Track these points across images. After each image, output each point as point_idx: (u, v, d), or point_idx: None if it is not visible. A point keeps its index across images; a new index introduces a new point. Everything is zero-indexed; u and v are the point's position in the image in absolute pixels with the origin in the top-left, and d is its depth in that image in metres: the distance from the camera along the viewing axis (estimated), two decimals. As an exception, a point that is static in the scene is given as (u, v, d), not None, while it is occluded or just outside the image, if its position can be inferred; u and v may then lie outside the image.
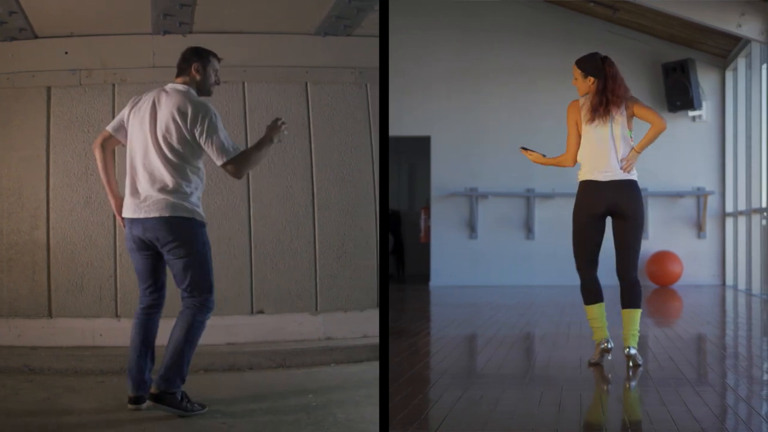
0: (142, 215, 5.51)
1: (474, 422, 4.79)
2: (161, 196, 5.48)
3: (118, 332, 7.53)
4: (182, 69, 5.79)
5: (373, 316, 8.00)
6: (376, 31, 7.93)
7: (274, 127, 5.86)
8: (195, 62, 5.76)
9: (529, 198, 14.75)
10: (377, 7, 7.47)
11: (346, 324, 7.97)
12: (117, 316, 7.61)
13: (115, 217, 7.58)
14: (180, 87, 5.66)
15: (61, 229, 7.61)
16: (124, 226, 5.66)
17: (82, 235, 7.63)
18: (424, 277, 15.40)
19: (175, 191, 5.48)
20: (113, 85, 7.70)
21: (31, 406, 5.82)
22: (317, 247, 7.99)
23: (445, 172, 15.01)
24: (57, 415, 5.59)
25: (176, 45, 7.19)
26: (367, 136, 8.16)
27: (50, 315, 7.57)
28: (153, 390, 5.47)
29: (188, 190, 5.53)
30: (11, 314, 7.55)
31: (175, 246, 5.50)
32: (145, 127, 5.56)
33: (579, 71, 6.41)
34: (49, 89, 7.66)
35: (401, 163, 18.32)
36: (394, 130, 14.39)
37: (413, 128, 15.03)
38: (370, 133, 8.16)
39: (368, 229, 8.11)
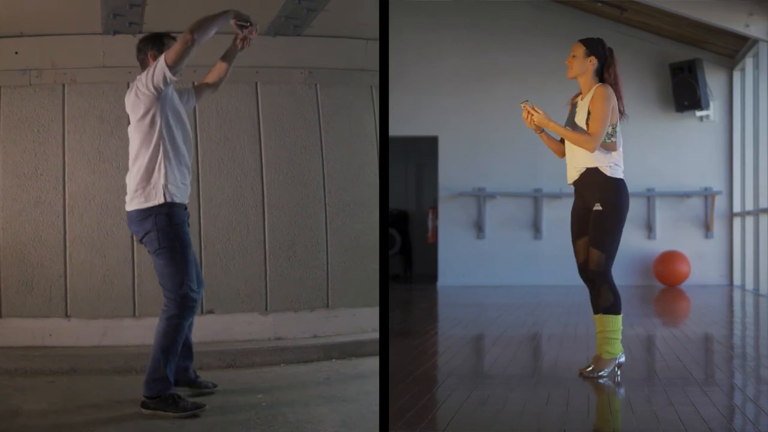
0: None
1: (481, 422, 4.78)
2: None
3: (68, 332, 7.53)
4: (142, 61, 5.79)
5: (323, 316, 8.06)
6: (326, 32, 8.04)
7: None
8: (150, 50, 5.74)
9: (536, 198, 14.65)
10: (328, 7, 7.50)
11: (296, 324, 7.97)
12: (67, 316, 7.58)
13: (65, 217, 7.63)
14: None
15: (11, 229, 7.57)
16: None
17: (32, 235, 7.59)
18: (432, 277, 15.25)
19: None
20: (63, 85, 7.67)
21: (-19, 407, 5.80)
22: (267, 247, 8.01)
23: (452, 172, 14.87)
24: (7, 415, 5.56)
25: (126, 45, 7.19)
26: (317, 135, 8.17)
27: (0, 315, 7.53)
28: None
29: None
30: (-39, 315, 7.53)
31: None
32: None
33: (583, 48, 6.00)
34: (-2, 89, 7.64)
35: (409, 163, 18.18)
36: (402, 130, 14.28)
37: (421, 128, 14.88)
38: (320, 132, 8.18)
39: (318, 229, 8.13)
